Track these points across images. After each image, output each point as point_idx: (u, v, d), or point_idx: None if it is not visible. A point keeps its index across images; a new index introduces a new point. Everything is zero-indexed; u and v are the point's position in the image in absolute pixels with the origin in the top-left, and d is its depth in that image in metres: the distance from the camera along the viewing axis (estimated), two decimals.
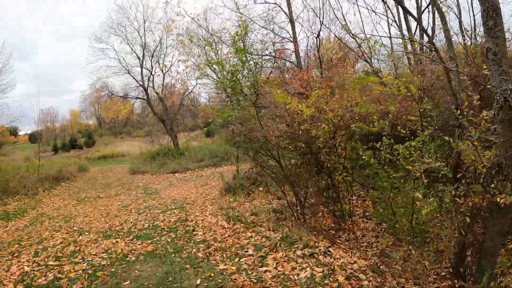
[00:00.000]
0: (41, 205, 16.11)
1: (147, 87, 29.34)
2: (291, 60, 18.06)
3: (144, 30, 28.40)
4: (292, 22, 16.53)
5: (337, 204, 8.36)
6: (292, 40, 16.86)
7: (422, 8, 13.35)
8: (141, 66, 29.00)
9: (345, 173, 7.84)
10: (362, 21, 16.29)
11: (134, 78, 29.46)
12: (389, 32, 14.32)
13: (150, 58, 28.88)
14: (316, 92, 7.73)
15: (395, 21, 14.34)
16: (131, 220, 10.84)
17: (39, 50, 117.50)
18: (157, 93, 29.41)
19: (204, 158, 23.84)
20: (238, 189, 13.24)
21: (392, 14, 14.58)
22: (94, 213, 12.88)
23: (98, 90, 31.15)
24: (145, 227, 9.74)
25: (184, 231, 8.98)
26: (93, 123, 73.81)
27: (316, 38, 15.03)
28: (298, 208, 9.17)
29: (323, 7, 14.23)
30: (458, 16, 10.83)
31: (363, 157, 7.28)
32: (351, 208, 8.56)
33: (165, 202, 13.21)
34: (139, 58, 28.96)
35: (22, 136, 73.80)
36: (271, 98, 9.18)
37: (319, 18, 14.48)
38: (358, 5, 15.01)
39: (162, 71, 29.31)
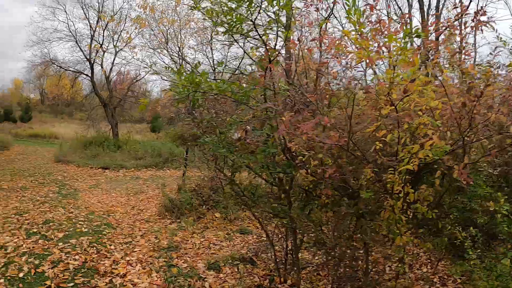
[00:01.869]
0: None
1: (94, 63, 24.35)
2: None
3: None
4: None
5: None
6: None
7: None
8: (92, 37, 23.97)
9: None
10: None
11: (81, 50, 24.28)
12: None
13: (103, 29, 23.88)
14: None
15: None
16: (9, 248, 6.33)
17: None
18: (104, 71, 24.61)
19: (144, 156, 19.17)
20: (184, 210, 9.05)
21: None
22: None
23: (46, 63, 25.82)
24: (20, 275, 5.27)
25: None
26: (35, 97, 66.07)
27: None
28: (287, 259, 5.41)
29: None
30: None
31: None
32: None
33: (77, 216, 8.71)
34: (91, 28, 23.89)
35: None
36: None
37: None
38: None
39: (115, 47, 24.27)
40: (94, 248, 6.54)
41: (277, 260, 5.38)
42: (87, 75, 25.16)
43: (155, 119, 38.85)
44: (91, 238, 7.09)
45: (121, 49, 24.24)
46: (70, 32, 23.94)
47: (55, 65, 26.05)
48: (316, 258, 6.16)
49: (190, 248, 6.84)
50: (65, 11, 23.59)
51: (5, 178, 13.73)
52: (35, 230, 7.48)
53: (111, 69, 25.09)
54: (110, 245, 6.74)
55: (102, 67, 24.51)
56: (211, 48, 23.64)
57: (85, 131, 25.46)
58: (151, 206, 10.20)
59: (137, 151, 19.74)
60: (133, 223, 8.38)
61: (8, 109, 48.49)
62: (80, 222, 8.16)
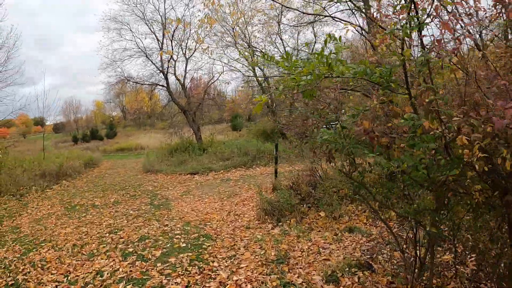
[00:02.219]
0: (23, 212, 11.43)
1: (167, 73, 24.21)
2: None
3: (165, 9, 23.28)
4: None
5: None
6: None
7: None
8: (161, 49, 23.79)
9: None
10: None
11: (152, 63, 24.33)
12: None
13: (171, 39, 23.63)
14: None
15: None
16: (105, 274, 5.71)
17: (66, 42, 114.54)
18: (178, 79, 24.33)
19: (231, 157, 18.36)
20: (284, 210, 8.06)
21: None
22: (69, 239, 7.96)
23: (123, 82, 26.47)
24: None
25: None
26: (117, 115, 69.84)
27: None
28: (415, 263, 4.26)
29: None
30: None
31: None
32: None
33: (173, 229, 8.03)
34: (158, 40, 23.88)
35: (49, 126, 70.42)
36: None
37: None
38: None
39: (185, 55, 24.11)
40: (196, 266, 5.70)
41: (406, 265, 4.27)
42: (162, 85, 25.18)
43: (234, 118, 38.59)
44: (190, 254, 6.29)
45: (191, 55, 24.10)
46: (139, 48, 24.09)
47: (130, 82, 26.31)
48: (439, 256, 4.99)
49: (300, 257, 5.83)
50: (130, 30, 23.77)
51: (97, 194, 13.61)
52: (131, 249, 6.85)
53: (184, 76, 24.88)
54: (213, 262, 5.86)
55: (175, 76, 24.35)
56: (280, 38, 22.78)
57: (169, 139, 25.38)
58: (247, 209, 9.32)
59: (223, 152, 19.06)
60: (233, 232, 7.50)
61: (94, 128, 51.46)
62: (176, 236, 7.42)
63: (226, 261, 5.87)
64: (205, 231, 7.65)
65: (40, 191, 14.94)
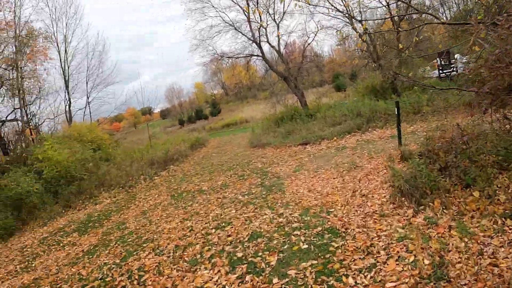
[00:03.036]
0: (130, 205, 11.15)
1: (260, 42, 22.91)
2: None
3: None
4: None
5: None
6: None
7: None
8: (248, 19, 22.64)
9: None
10: None
11: (243, 34, 23.28)
12: None
13: (256, 6, 22.17)
14: None
15: None
16: None
17: (158, 37, 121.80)
18: (272, 46, 23.03)
19: (342, 121, 16.12)
20: (423, 188, 6.07)
21: None
22: (172, 238, 7.14)
23: (216, 59, 26.02)
24: None
25: None
26: (218, 92, 72.05)
27: None
28: None
29: None
30: None
31: None
32: None
33: (290, 220, 6.55)
34: (243, 10, 22.45)
35: (156, 114, 74.23)
36: None
37: None
38: None
39: (275, 20, 22.72)
40: (325, 285, 4.15)
41: None
42: (257, 55, 24.06)
43: (336, 77, 36.32)
44: (315, 262, 4.74)
45: (283, 14, 22.67)
46: (226, 22, 23.30)
47: (224, 58, 25.61)
48: None
49: (459, 262, 3.99)
50: (213, 6, 22.95)
51: (204, 177, 12.84)
52: (240, 254, 5.55)
53: (278, 42, 23.65)
54: (347, 277, 4.25)
55: (269, 43, 23.23)
56: None
57: (272, 108, 24.27)
58: (374, 187, 7.40)
59: (333, 116, 17.05)
60: (364, 223, 5.77)
61: (197, 109, 52.50)
62: (295, 232, 5.92)
63: (364, 276, 4.22)
64: (329, 222, 6.05)
65: (148, 180, 14.79)
